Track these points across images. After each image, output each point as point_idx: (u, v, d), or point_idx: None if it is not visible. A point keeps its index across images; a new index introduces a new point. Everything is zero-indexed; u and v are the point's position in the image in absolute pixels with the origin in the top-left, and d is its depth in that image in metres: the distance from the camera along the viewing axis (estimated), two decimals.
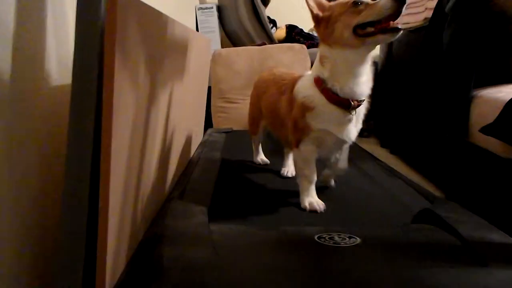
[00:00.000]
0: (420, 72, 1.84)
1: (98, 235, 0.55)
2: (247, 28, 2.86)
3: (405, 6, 0.77)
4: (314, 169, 0.96)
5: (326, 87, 0.86)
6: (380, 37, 0.80)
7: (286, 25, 3.25)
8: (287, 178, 1.18)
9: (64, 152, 0.59)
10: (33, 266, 0.71)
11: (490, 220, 0.83)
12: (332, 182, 1.07)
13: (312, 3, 0.88)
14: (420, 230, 0.80)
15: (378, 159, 1.44)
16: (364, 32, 0.81)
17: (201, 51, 1.46)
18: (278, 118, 1.04)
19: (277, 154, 1.32)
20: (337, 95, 0.85)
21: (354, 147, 1.08)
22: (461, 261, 0.66)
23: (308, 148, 0.94)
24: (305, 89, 0.91)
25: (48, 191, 0.75)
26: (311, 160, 0.95)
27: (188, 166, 1.29)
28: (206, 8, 2.93)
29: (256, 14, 2.86)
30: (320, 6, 0.89)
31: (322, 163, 1.02)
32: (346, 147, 1.01)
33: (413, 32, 2.07)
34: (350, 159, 1.09)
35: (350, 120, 0.88)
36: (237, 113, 2.29)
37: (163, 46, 0.82)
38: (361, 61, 0.84)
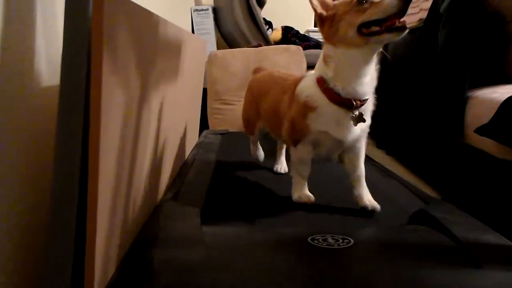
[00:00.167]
0: (415, 73, 1.85)
1: (86, 236, 0.54)
2: (243, 29, 2.86)
3: (410, 4, 0.76)
4: (309, 166, 0.98)
5: (328, 87, 0.85)
6: (386, 36, 0.79)
7: (282, 26, 3.25)
8: (280, 174, 1.22)
9: (52, 152, 0.58)
10: (21, 267, 0.70)
11: (486, 221, 0.83)
12: (367, 202, 0.94)
13: (315, 2, 0.88)
14: (414, 231, 0.79)
15: (373, 160, 1.44)
16: (369, 31, 0.80)
17: (196, 52, 1.46)
18: (278, 118, 1.03)
19: (273, 155, 1.31)
20: (339, 95, 0.84)
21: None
22: (455, 262, 0.65)
23: (305, 149, 0.94)
24: (308, 89, 0.90)
25: (36, 191, 0.74)
26: (307, 160, 0.96)
27: (182, 167, 1.28)
28: (202, 10, 2.92)
29: (252, 16, 2.86)
30: (324, 5, 0.88)
31: (323, 164, 1.01)
32: (361, 175, 0.96)
33: (408, 32, 2.07)
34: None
35: (352, 120, 0.87)
36: (233, 114, 2.29)
37: (155, 46, 0.81)
38: (366, 60, 0.83)
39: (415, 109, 1.86)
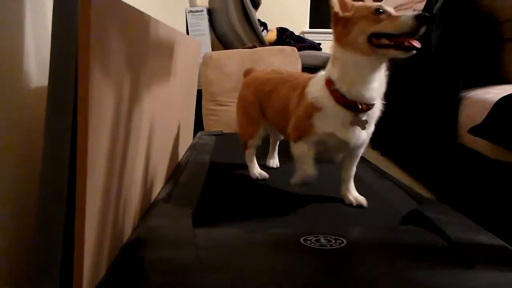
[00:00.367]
0: (409, 74, 1.85)
1: (75, 236, 0.53)
2: (238, 31, 2.86)
3: (425, 26, 0.76)
4: (312, 164, 0.94)
5: (335, 88, 0.85)
6: (392, 51, 0.79)
7: (277, 27, 3.26)
8: (271, 169, 1.24)
9: (41, 152, 0.58)
10: (9, 268, 0.69)
11: (479, 221, 0.83)
12: (351, 198, 0.98)
13: (336, 1, 0.86)
14: (407, 232, 0.79)
15: (368, 161, 1.44)
16: (378, 43, 0.80)
17: (190, 53, 1.45)
18: (286, 114, 1.01)
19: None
20: (344, 97, 0.84)
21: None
22: (448, 262, 0.65)
23: (305, 148, 0.93)
24: (316, 89, 0.90)
25: (25, 192, 0.73)
26: (308, 157, 0.94)
27: (176, 169, 1.27)
28: (197, 11, 2.92)
29: (247, 17, 2.86)
30: (343, 4, 0.86)
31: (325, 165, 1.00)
32: (351, 175, 0.99)
33: None
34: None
35: (354, 122, 0.86)
36: (228, 116, 2.28)
37: (146, 46, 0.80)
38: (372, 68, 0.83)
39: (409, 109, 1.87)
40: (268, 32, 3.25)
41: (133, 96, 0.72)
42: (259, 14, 3.26)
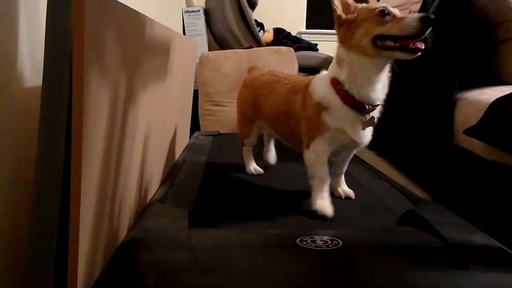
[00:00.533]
0: (405, 75, 1.86)
1: (69, 237, 0.53)
2: (235, 31, 2.86)
3: (430, 28, 0.75)
4: (327, 169, 0.93)
5: (343, 89, 0.85)
6: (397, 53, 0.79)
7: (273, 28, 3.26)
8: (271, 176, 1.20)
9: (35, 153, 0.57)
10: (3, 269, 0.69)
11: (475, 222, 0.83)
12: (340, 191, 1.04)
13: (337, 3, 0.86)
14: (403, 233, 0.79)
15: (364, 161, 1.44)
16: (383, 44, 0.79)
17: (186, 53, 1.45)
18: (290, 119, 1.01)
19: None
20: (353, 97, 0.85)
21: None
22: (442, 263, 0.65)
23: (320, 147, 0.91)
24: (321, 89, 0.90)
25: (19, 192, 0.72)
26: (324, 158, 0.92)
27: (172, 169, 1.27)
28: (193, 11, 2.92)
29: (243, 17, 2.86)
30: (346, 6, 0.86)
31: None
32: (343, 171, 1.03)
33: None
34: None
35: (362, 124, 0.87)
36: (224, 116, 2.28)
37: (142, 46, 0.80)
38: (377, 70, 0.83)
39: (405, 110, 1.87)
40: (265, 33, 3.25)
41: (129, 96, 0.72)
42: (256, 15, 3.26)
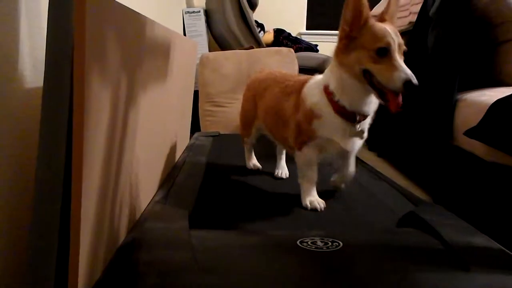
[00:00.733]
0: None
1: (70, 237, 0.53)
2: (235, 32, 2.86)
3: (410, 93, 0.76)
4: (316, 170, 0.96)
5: (334, 99, 0.86)
6: (376, 95, 0.81)
7: (273, 29, 3.26)
8: (280, 179, 1.18)
9: (36, 153, 0.57)
10: (4, 270, 0.69)
11: (475, 223, 0.83)
12: (342, 186, 1.06)
13: (349, 15, 0.81)
14: (403, 234, 0.79)
15: (364, 162, 1.44)
16: (369, 79, 0.80)
17: (186, 54, 1.45)
18: (280, 119, 1.02)
19: (267, 158, 1.31)
20: (344, 107, 0.86)
21: None
22: (443, 265, 0.65)
23: (310, 152, 0.94)
24: (314, 95, 0.90)
25: (20, 193, 0.72)
26: (313, 163, 0.95)
27: (172, 170, 1.27)
28: (194, 12, 2.92)
29: (244, 18, 2.86)
30: (358, 12, 0.80)
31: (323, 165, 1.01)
32: (353, 153, 1.01)
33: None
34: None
35: (351, 133, 0.88)
36: (225, 117, 2.28)
37: (142, 47, 0.80)
38: (364, 93, 0.84)
39: (406, 111, 1.87)
40: (265, 33, 3.25)
41: (129, 97, 0.72)
42: (256, 15, 3.26)
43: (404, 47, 0.81)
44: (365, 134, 0.92)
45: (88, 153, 0.53)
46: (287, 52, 2.39)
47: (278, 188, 1.10)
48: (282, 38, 3.16)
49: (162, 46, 1.00)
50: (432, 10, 1.63)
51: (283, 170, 1.21)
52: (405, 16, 2.06)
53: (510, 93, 1.21)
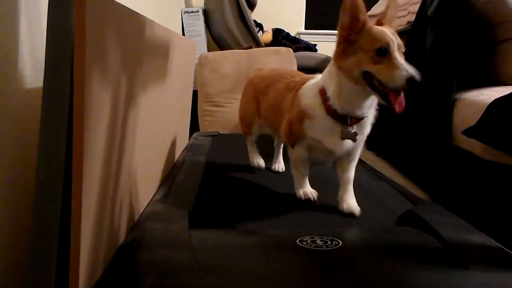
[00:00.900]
0: None
1: (71, 239, 0.53)
2: (234, 31, 2.86)
3: (414, 90, 0.75)
4: (307, 165, 0.99)
5: (328, 102, 0.86)
6: (378, 97, 0.80)
7: (272, 28, 3.26)
8: (277, 173, 1.23)
9: (36, 153, 0.58)
10: (4, 269, 0.69)
11: (474, 222, 0.84)
12: (345, 206, 0.94)
13: (345, 19, 0.80)
14: (402, 233, 0.80)
15: (363, 162, 1.44)
16: (370, 81, 0.79)
17: (185, 54, 1.45)
18: (278, 112, 1.03)
19: (268, 157, 1.31)
20: (336, 111, 0.85)
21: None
22: (442, 263, 0.66)
23: (301, 151, 0.96)
24: (309, 96, 0.90)
25: (20, 193, 0.73)
26: (304, 159, 0.98)
27: (172, 170, 1.27)
28: (192, 12, 2.92)
29: (242, 18, 2.86)
30: (355, 16, 0.80)
31: (311, 166, 1.01)
32: (348, 179, 0.96)
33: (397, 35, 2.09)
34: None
35: (342, 134, 0.87)
36: (224, 116, 2.28)
37: (141, 47, 0.80)
38: (363, 96, 0.84)
39: (405, 111, 1.88)
40: (264, 33, 3.25)
41: (129, 97, 0.72)
42: (255, 15, 3.26)
43: (403, 48, 0.80)
44: (367, 130, 0.91)
45: (88, 153, 0.53)
46: (286, 51, 2.39)
47: (277, 187, 1.11)
48: (281, 37, 3.17)
49: (161, 46, 1.00)
50: (431, 10, 1.63)
51: (279, 165, 1.26)
52: (404, 16, 2.06)
53: (508, 93, 1.21)
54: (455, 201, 1.45)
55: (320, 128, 0.88)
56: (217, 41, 2.97)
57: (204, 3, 3.01)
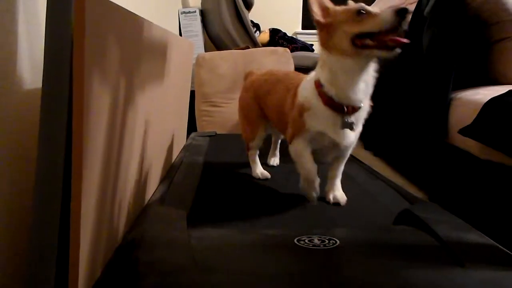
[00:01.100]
0: (400, 75, 1.87)
1: (70, 239, 0.54)
2: (231, 32, 2.86)
3: (407, 20, 0.75)
4: (310, 159, 0.95)
5: (323, 90, 0.87)
6: (376, 52, 0.80)
7: (269, 29, 3.27)
8: (272, 167, 1.27)
9: (35, 154, 0.58)
10: (3, 269, 0.69)
11: (471, 220, 0.84)
12: (331, 197, 1.01)
13: (316, 9, 0.86)
14: (399, 232, 0.80)
15: (360, 161, 1.45)
16: (362, 43, 0.80)
17: (183, 54, 1.45)
18: (283, 116, 1.03)
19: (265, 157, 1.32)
20: (332, 99, 0.86)
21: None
22: (438, 261, 0.66)
23: (300, 146, 0.94)
24: (306, 90, 0.92)
25: (19, 193, 0.73)
26: (305, 154, 0.95)
27: (170, 170, 1.27)
28: (189, 12, 2.92)
29: (240, 18, 2.86)
30: (325, 10, 0.87)
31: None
32: (337, 173, 1.01)
33: None
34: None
35: (342, 123, 0.88)
36: (221, 116, 2.29)
37: (140, 48, 0.80)
38: (359, 69, 0.83)
39: (401, 110, 1.89)
40: (261, 33, 3.26)
41: (128, 97, 0.72)
42: (252, 15, 3.26)
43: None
44: (359, 128, 0.92)
45: (88, 154, 0.53)
46: (283, 51, 2.39)
47: (275, 187, 1.11)
48: (277, 38, 3.17)
49: (159, 47, 1.00)
50: (427, 10, 1.64)
51: (275, 159, 1.31)
52: None
53: (504, 92, 1.22)
54: (452, 200, 1.46)
55: (319, 118, 0.89)
56: (214, 41, 2.97)
57: (201, 3, 3.01)
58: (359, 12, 0.80)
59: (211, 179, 1.18)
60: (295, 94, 0.96)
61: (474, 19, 1.52)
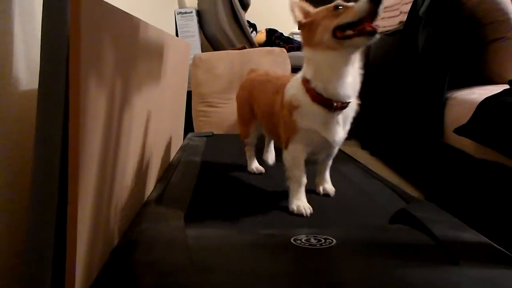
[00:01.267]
0: (396, 75, 1.88)
1: (67, 240, 0.54)
2: (227, 32, 2.86)
3: (381, 7, 0.77)
4: (304, 170, 0.96)
5: (311, 87, 0.87)
6: (356, 40, 0.80)
7: (266, 29, 3.27)
8: (266, 177, 1.22)
9: (32, 155, 0.58)
10: (1, 273, 0.69)
11: (466, 219, 0.85)
12: (321, 189, 1.07)
13: (297, 12, 0.90)
14: (395, 231, 0.81)
15: (357, 161, 1.45)
16: (342, 35, 0.81)
17: (179, 54, 1.45)
18: (273, 118, 1.04)
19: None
20: (321, 95, 0.86)
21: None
22: (433, 260, 0.67)
23: (296, 148, 0.94)
24: (293, 88, 0.93)
25: (15, 195, 0.73)
26: (300, 160, 0.95)
27: (167, 170, 1.27)
28: (186, 13, 2.92)
29: (236, 18, 2.87)
30: (305, 13, 0.91)
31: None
32: (326, 168, 1.06)
33: (389, 35, 2.12)
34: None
35: (335, 121, 0.89)
36: (218, 117, 2.29)
37: (136, 49, 0.81)
38: (343, 62, 0.84)
39: (397, 110, 1.90)
40: (257, 33, 3.26)
41: (124, 98, 0.72)
42: (248, 15, 3.27)
43: None
44: (348, 125, 0.93)
45: (84, 155, 0.53)
46: (279, 52, 2.40)
47: (272, 187, 1.12)
48: (274, 38, 3.18)
49: (156, 47, 1.00)
50: (422, 10, 1.65)
51: (270, 155, 1.31)
52: (396, 16, 2.08)
53: (498, 91, 1.23)
54: (448, 199, 1.47)
55: (309, 116, 0.89)
56: (211, 41, 2.98)
57: (198, 3, 3.01)
58: (336, 8, 0.84)
59: (208, 179, 1.18)
60: (283, 94, 0.97)
61: (469, 19, 1.53)
